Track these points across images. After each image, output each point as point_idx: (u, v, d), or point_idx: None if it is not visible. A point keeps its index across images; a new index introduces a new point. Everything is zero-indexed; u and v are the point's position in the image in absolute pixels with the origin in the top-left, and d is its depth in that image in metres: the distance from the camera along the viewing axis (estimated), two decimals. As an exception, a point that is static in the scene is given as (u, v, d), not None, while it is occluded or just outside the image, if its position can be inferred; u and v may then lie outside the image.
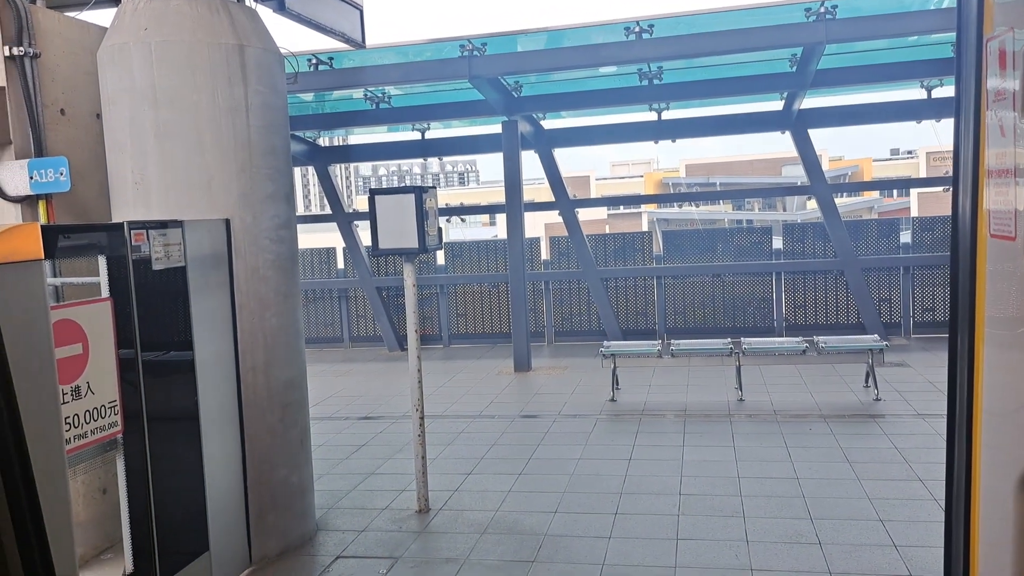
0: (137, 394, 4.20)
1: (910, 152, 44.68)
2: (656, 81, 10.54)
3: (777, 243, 13.01)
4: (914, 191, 33.29)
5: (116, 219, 5.21)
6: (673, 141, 12.44)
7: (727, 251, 13.00)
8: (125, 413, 4.13)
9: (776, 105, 11.85)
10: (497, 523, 5.86)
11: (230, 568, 4.97)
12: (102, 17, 5.96)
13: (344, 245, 13.99)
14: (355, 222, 13.82)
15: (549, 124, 12.73)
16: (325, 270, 14.34)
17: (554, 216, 13.42)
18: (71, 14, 5.78)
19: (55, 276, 5.07)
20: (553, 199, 13.15)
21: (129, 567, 4.11)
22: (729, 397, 9.17)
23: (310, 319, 14.24)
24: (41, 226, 2.53)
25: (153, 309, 4.41)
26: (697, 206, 36.41)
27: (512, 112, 11.19)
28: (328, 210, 14.10)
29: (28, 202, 5.14)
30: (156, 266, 4.43)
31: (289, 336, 5.53)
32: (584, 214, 16.65)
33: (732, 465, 6.84)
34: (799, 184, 16.84)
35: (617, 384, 9.52)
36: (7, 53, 4.93)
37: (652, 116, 11.99)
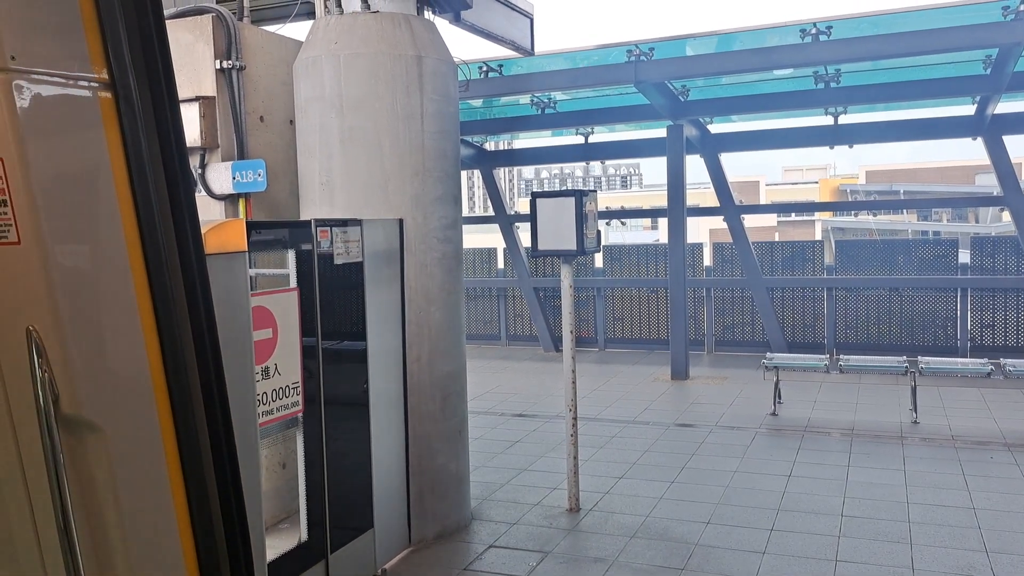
0: (316, 377, 4.58)
1: None
2: (833, 84, 10.09)
3: (964, 257, 12.07)
4: None
5: (304, 217, 5.68)
6: (850, 147, 11.83)
7: (907, 264, 12.21)
8: (306, 395, 4.50)
9: (967, 109, 11.01)
10: (647, 528, 5.86)
11: (391, 546, 5.29)
12: (298, 30, 6.50)
13: (504, 246, 14.36)
14: (516, 224, 14.15)
15: (716, 128, 12.47)
16: (485, 269, 14.78)
17: (718, 222, 13.13)
18: (271, 28, 6.35)
19: (251, 267, 5.59)
20: (718, 204, 12.88)
21: (304, 536, 4.49)
22: (902, 418, 8.64)
23: (470, 316, 14.72)
24: (249, 222, 2.85)
25: (333, 300, 4.78)
26: (876, 215, 34.27)
27: (678, 116, 11.08)
28: (491, 211, 14.53)
29: (230, 200, 5.70)
30: (337, 260, 4.80)
31: (452, 331, 5.80)
32: (752, 220, 16.17)
33: (901, 490, 6.46)
34: (993, 195, 15.52)
35: (779, 398, 9.21)
36: (218, 66, 5.50)
37: (828, 120, 11.47)
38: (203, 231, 2.70)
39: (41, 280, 1.71)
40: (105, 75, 1.82)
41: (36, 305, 1.72)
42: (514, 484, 6.96)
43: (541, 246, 6.02)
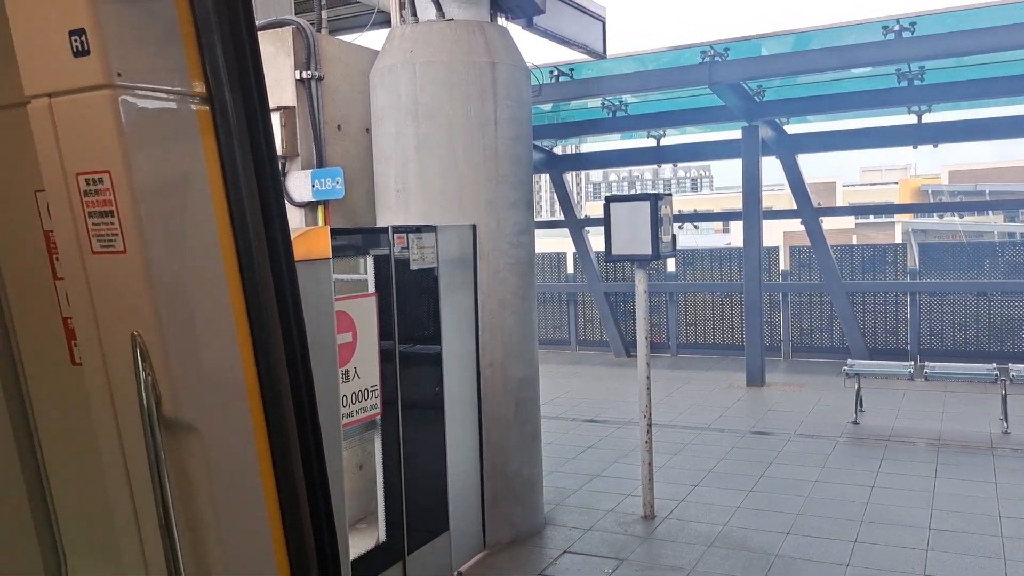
0: (393, 381, 4.65)
1: None
2: (917, 82, 9.74)
3: (1058, 259, 11.50)
4: None
5: (380, 223, 5.78)
6: (935, 146, 11.41)
7: (996, 267, 11.70)
8: (384, 398, 4.58)
9: (1060, 105, 10.49)
10: (725, 537, 5.75)
11: (466, 549, 5.32)
12: (374, 40, 6.63)
13: (574, 250, 14.31)
14: (586, 228, 14.09)
15: (793, 129, 12.19)
16: (555, 274, 14.76)
17: (794, 224, 12.81)
18: (348, 38, 6.49)
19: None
20: (794, 207, 12.57)
21: (382, 537, 4.56)
22: (992, 428, 8.27)
23: (540, 321, 14.73)
24: (333, 229, 2.93)
25: (409, 305, 4.85)
26: (963, 216, 32.91)
27: (753, 117, 10.87)
28: (559, 216, 14.51)
29: (310, 207, 5.84)
30: (413, 266, 4.87)
31: (524, 336, 5.81)
32: (830, 223, 15.72)
33: (992, 503, 6.18)
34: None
35: (861, 406, 8.92)
36: (298, 76, 5.65)
37: (911, 119, 11.08)
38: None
39: (145, 287, 1.78)
40: (203, 88, 1.89)
41: (140, 311, 1.79)
42: (587, 490, 6.92)
43: (615, 251, 5.98)
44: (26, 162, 2.20)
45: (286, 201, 5.74)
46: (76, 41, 1.66)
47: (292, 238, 2.57)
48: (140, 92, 1.75)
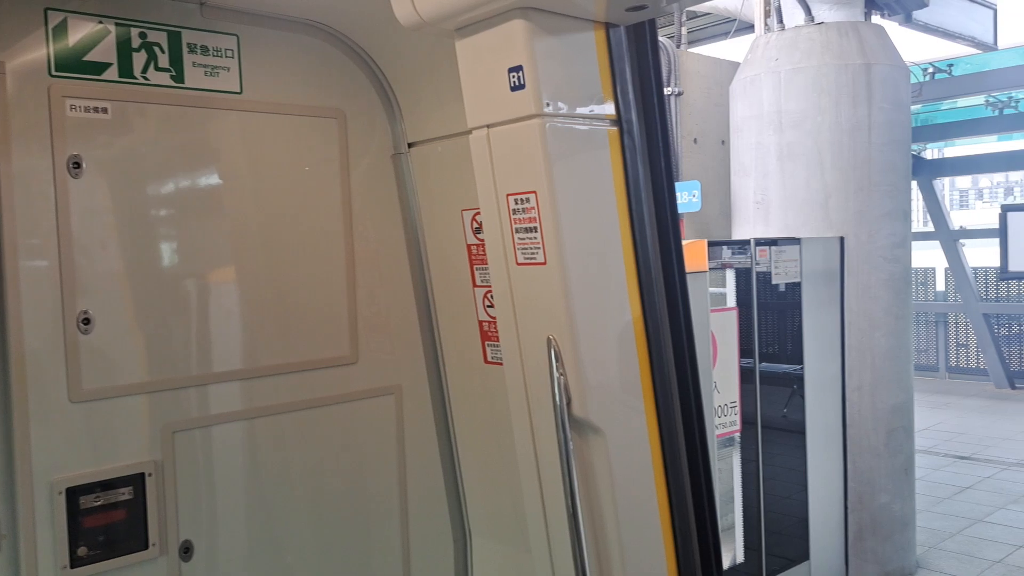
0: (753, 398, 4.53)
1: None
2: None
3: None
4: None
5: (736, 236, 5.69)
6: None
7: None
8: (743, 415, 4.49)
9: None
10: None
11: (826, 582, 5.01)
12: (725, 50, 6.56)
13: (946, 265, 12.76)
14: (960, 240, 12.49)
15: None
16: (922, 291, 13.30)
17: None
18: (707, 47, 6.50)
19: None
20: None
21: (740, 558, 4.46)
22: None
23: (903, 343, 13.39)
24: (709, 241, 2.95)
25: (770, 321, 4.70)
26: None
27: None
28: (927, 226, 13.05)
29: (667, 221, 5.94)
30: (775, 280, 4.71)
31: (898, 359, 5.32)
32: None
33: None
34: None
35: None
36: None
37: None
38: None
39: (561, 295, 1.94)
40: (613, 112, 2.02)
41: (556, 317, 1.96)
42: (967, 535, 6.12)
43: (1012, 267, 5.24)
44: (457, 184, 2.54)
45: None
46: (514, 76, 1.87)
47: (677, 252, 2.63)
48: (563, 119, 1.92)
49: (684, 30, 6.33)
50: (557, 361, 1.95)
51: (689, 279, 2.88)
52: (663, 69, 5.81)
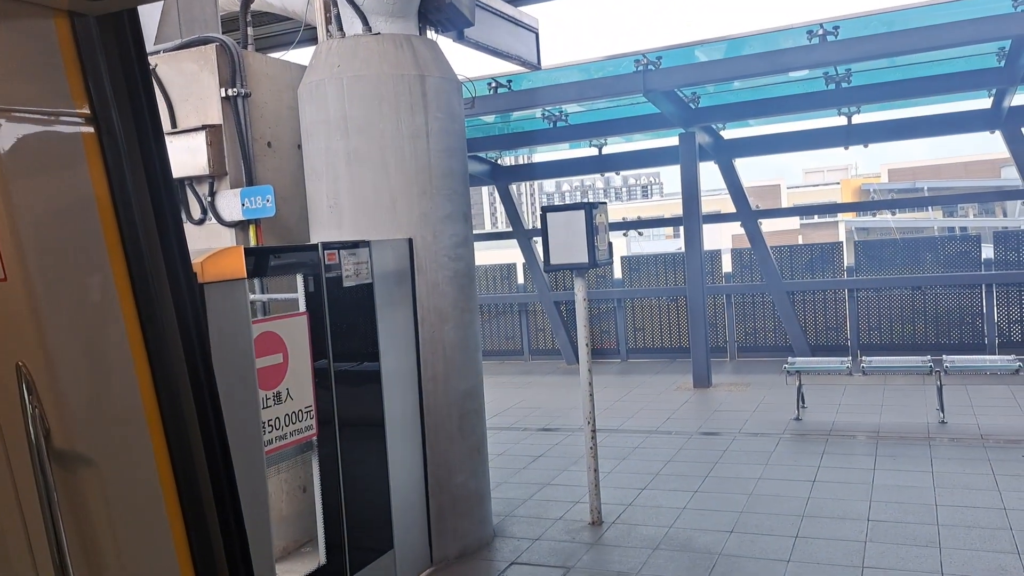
0: (329, 400, 4.59)
1: None
2: (844, 84, 10.00)
3: (987, 252, 11.87)
4: None
5: (313, 240, 5.71)
6: (865, 146, 11.72)
7: (930, 261, 12.04)
8: (320, 418, 4.51)
9: (984, 103, 10.86)
10: (671, 539, 5.79)
11: (412, 567, 5.27)
12: (302, 56, 6.57)
13: (524, 261, 14.35)
14: (533, 238, 14.14)
15: (730, 134, 12.41)
16: (506, 285, 14.77)
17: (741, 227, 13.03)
18: (276, 55, 6.42)
19: (263, 293, 5.63)
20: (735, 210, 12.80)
21: (322, 559, 4.48)
22: (929, 419, 8.49)
23: (492, 333, 14.72)
24: (247, 248, 2.88)
25: (344, 322, 4.79)
26: (895, 214, 33.80)
27: (690, 124, 11.04)
28: (510, 227, 14.54)
29: (240, 226, 5.75)
30: (346, 283, 4.82)
31: (467, 348, 5.79)
32: (775, 224, 15.98)
33: (929, 492, 6.34)
34: (1019, 187, 15.24)
35: (803, 402, 9.09)
36: (223, 94, 5.56)
37: (842, 121, 11.37)
38: (200, 260, 2.72)
39: (28, 316, 1.72)
40: (87, 110, 1.84)
41: (25, 341, 1.73)
42: (537, 499, 6.91)
43: (553, 260, 6.01)
44: None
45: (216, 221, 5.64)
46: None
47: (202, 259, 2.51)
48: (16, 115, 1.69)
49: (251, 32, 6.16)
50: (30, 392, 1.72)
51: (225, 288, 2.80)
52: (227, 70, 5.60)
